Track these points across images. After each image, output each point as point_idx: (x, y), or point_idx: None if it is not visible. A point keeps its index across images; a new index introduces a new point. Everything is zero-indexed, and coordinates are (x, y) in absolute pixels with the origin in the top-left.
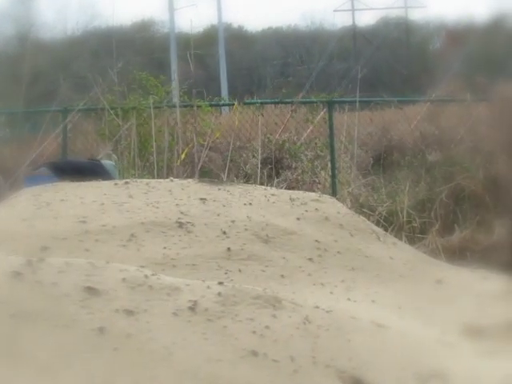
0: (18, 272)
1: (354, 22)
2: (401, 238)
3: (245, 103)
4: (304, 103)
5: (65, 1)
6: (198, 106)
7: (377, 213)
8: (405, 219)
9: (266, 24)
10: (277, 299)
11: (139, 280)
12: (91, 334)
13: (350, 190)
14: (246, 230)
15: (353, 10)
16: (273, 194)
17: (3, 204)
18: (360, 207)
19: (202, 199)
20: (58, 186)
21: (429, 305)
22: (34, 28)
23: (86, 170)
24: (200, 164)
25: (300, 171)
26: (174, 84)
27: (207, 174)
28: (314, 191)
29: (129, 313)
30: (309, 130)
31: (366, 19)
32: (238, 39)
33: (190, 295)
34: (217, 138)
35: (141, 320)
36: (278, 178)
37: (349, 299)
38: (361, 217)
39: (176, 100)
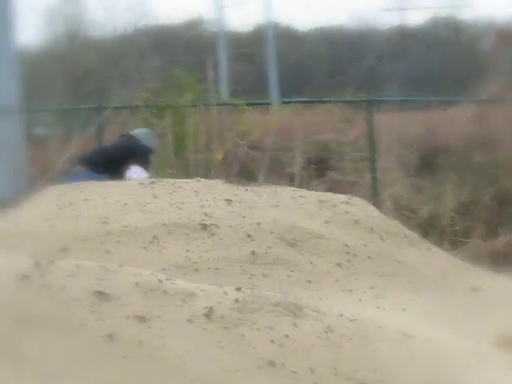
0: (25, 275)
1: (402, 22)
2: (442, 242)
3: (283, 102)
4: (343, 102)
5: None
6: (235, 105)
7: (418, 215)
8: (447, 222)
9: (315, 23)
10: (298, 307)
11: (153, 285)
12: (100, 341)
13: (391, 191)
14: (271, 232)
15: (401, 9)
16: (301, 196)
17: (26, 203)
18: (401, 209)
19: (227, 200)
20: (83, 185)
21: (462, 313)
22: (83, 26)
23: (116, 151)
24: (237, 164)
25: (342, 172)
26: (216, 82)
27: (250, 174)
28: (354, 193)
29: (141, 319)
30: (353, 130)
31: (415, 19)
32: (287, 38)
33: (205, 301)
34: (256, 138)
35: (153, 327)
36: (321, 178)
37: (378, 307)
38: (393, 220)
39: (213, 99)
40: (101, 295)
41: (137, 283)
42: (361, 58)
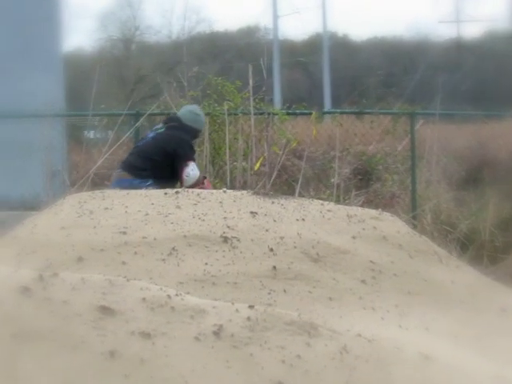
0: (26, 287)
1: (458, 34)
2: (482, 258)
3: (323, 113)
4: (386, 114)
5: (170, 6)
6: (274, 114)
7: (458, 230)
8: (487, 238)
9: (371, 33)
10: (312, 326)
11: (161, 300)
12: (101, 358)
13: (431, 205)
14: (294, 247)
15: (458, 21)
16: (329, 210)
17: (47, 210)
18: (440, 223)
19: (252, 213)
20: (106, 193)
21: (489, 335)
22: (139, 31)
23: (159, 151)
24: (274, 174)
25: (385, 184)
26: (269, 90)
27: (289, 185)
28: (394, 205)
29: (145, 336)
30: (401, 143)
31: (472, 31)
32: (343, 48)
33: (215, 319)
34: (295, 147)
35: (158, 344)
36: (363, 189)
37: (400, 326)
38: (423, 237)
39: (252, 107)
40: (105, 310)
41: (144, 298)
42: (415, 69)
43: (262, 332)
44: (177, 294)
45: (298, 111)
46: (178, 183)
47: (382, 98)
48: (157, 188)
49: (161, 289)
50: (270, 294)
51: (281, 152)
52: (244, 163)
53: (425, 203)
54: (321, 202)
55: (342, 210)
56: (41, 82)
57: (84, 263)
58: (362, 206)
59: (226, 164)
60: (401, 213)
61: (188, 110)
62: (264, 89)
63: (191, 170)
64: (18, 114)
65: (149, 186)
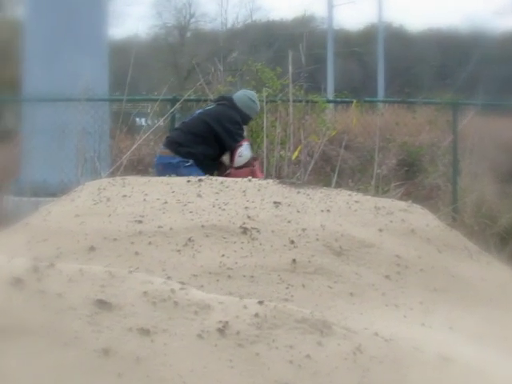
0: (19, 279)
1: None
2: None
3: (364, 101)
4: (430, 104)
5: None
6: (314, 102)
7: (498, 224)
8: None
9: (426, 24)
10: (325, 324)
11: (163, 294)
12: (94, 356)
13: (473, 197)
14: (317, 239)
15: None
16: (356, 201)
17: (65, 197)
18: (481, 217)
19: (275, 203)
20: (127, 180)
21: None
22: (194, 19)
23: (206, 115)
24: (312, 163)
25: (428, 175)
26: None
27: (326, 174)
28: (433, 198)
29: (144, 332)
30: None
31: None
32: (398, 38)
33: (221, 315)
34: (334, 136)
35: (157, 341)
36: (406, 180)
37: (423, 324)
38: (453, 231)
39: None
40: (102, 304)
41: (145, 292)
42: (469, 61)
43: (271, 330)
44: (181, 288)
45: (338, 99)
46: (220, 163)
47: (435, 89)
48: (196, 169)
49: (164, 282)
50: (287, 288)
51: (320, 141)
52: (282, 152)
53: (467, 196)
54: (349, 192)
55: (370, 201)
56: (85, 67)
57: (96, 253)
58: (401, 197)
59: (263, 152)
60: (441, 205)
61: (244, 94)
62: (305, 75)
63: (245, 150)
64: (59, 97)
65: (188, 166)
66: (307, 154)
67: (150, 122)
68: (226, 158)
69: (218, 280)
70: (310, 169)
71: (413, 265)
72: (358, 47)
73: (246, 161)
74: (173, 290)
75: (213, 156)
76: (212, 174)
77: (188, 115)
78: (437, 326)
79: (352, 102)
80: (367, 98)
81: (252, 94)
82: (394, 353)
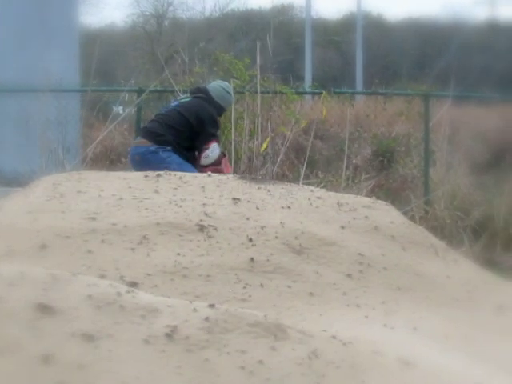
0: None
1: (493, 16)
2: (495, 246)
3: (334, 92)
4: (399, 95)
5: None
6: (282, 93)
7: (471, 216)
8: (501, 225)
9: (406, 13)
10: (280, 327)
11: (109, 298)
12: (33, 363)
13: (445, 189)
14: (276, 237)
15: (493, 3)
16: (318, 197)
17: (19, 193)
18: (454, 209)
19: (234, 199)
20: (83, 175)
21: (483, 335)
22: (172, 7)
23: (182, 120)
24: (281, 156)
25: (401, 167)
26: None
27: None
28: (404, 190)
29: (88, 338)
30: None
31: (508, 13)
32: (377, 27)
33: (169, 319)
34: (303, 127)
35: (101, 347)
36: (379, 172)
37: (385, 325)
38: (419, 228)
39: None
40: (44, 309)
41: (90, 296)
42: (449, 50)
43: (222, 334)
44: (128, 291)
45: (308, 91)
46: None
47: (414, 79)
48: (175, 154)
49: (110, 285)
50: (245, 288)
51: (289, 132)
52: (250, 144)
53: (439, 188)
54: (311, 188)
55: (332, 197)
56: (55, 58)
57: (47, 251)
58: (372, 189)
59: (231, 144)
60: (413, 198)
61: (219, 85)
62: (274, 66)
63: (211, 152)
64: (22, 88)
65: (167, 151)
66: (272, 146)
67: (127, 111)
68: None
69: (172, 279)
70: (278, 161)
71: (376, 263)
72: (336, 36)
73: (213, 161)
74: (119, 293)
75: (188, 147)
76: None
77: (162, 106)
78: (400, 327)
79: (322, 93)
80: (336, 90)
81: (226, 84)
82: (352, 357)
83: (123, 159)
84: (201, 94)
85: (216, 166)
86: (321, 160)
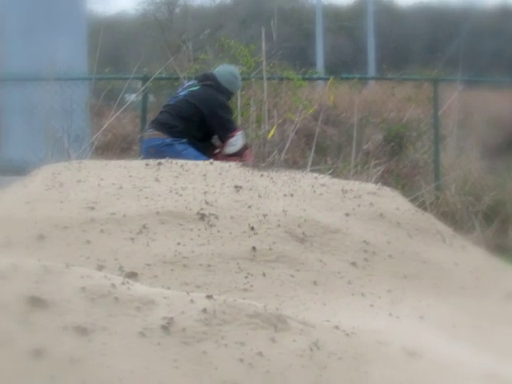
0: None
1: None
2: (507, 230)
3: (341, 78)
4: (407, 80)
5: None
6: (289, 79)
7: (482, 202)
8: None
9: None
10: (280, 318)
11: (103, 290)
12: (24, 357)
13: (455, 175)
14: (278, 226)
15: None
16: (322, 184)
17: (19, 182)
18: (465, 195)
19: (236, 187)
20: (83, 164)
21: (491, 324)
22: None
23: (193, 98)
24: (288, 142)
25: (412, 152)
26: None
27: (319, 152)
28: (414, 175)
29: (81, 331)
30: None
31: None
32: (388, 13)
33: (165, 311)
34: (311, 114)
35: (95, 341)
36: (388, 157)
37: (391, 314)
38: (425, 214)
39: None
40: (36, 302)
41: (83, 288)
42: (460, 35)
43: (220, 326)
44: (123, 283)
45: (314, 76)
46: (212, 143)
47: (425, 64)
48: (190, 146)
49: (105, 276)
50: (246, 277)
51: (296, 119)
52: (257, 131)
53: (450, 173)
54: (315, 175)
55: (336, 184)
56: (63, 46)
57: (45, 242)
58: (381, 175)
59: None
60: (423, 183)
61: (227, 71)
62: (279, 52)
63: (235, 141)
64: (28, 77)
65: (182, 143)
66: (280, 133)
67: (132, 98)
68: (215, 139)
69: (172, 270)
70: (286, 147)
71: (381, 251)
72: (347, 22)
73: (238, 150)
74: (113, 285)
75: (202, 138)
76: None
77: (171, 96)
78: (406, 316)
79: (329, 78)
80: (343, 75)
81: (233, 68)
82: (354, 348)
83: (134, 147)
84: (209, 81)
85: (239, 157)
86: (331, 146)
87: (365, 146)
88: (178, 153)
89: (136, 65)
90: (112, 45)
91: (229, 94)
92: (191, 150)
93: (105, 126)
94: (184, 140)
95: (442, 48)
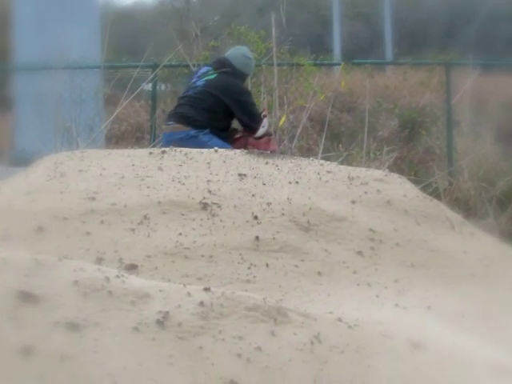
0: None
1: None
2: None
3: (353, 63)
4: (419, 65)
5: None
6: (300, 65)
7: (496, 187)
8: None
9: None
10: (280, 311)
11: (97, 283)
12: (13, 355)
13: (469, 160)
14: (282, 214)
15: None
16: (328, 171)
17: (20, 173)
18: (478, 180)
19: (240, 175)
20: (86, 153)
21: (501, 314)
22: None
23: (212, 88)
24: (300, 129)
25: (425, 138)
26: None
27: (333, 140)
28: (427, 161)
29: (73, 327)
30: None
31: None
32: None
33: (161, 305)
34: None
35: (87, 337)
36: (402, 143)
37: (397, 305)
38: (434, 200)
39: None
40: (26, 297)
41: (76, 281)
42: (477, 19)
43: (217, 320)
44: (117, 276)
45: (326, 62)
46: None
47: (443, 49)
48: (215, 136)
49: (98, 269)
50: (249, 268)
51: (307, 105)
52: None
53: (463, 159)
54: (321, 162)
55: (343, 171)
56: (76, 35)
57: (44, 234)
58: (394, 162)
59: None
60: (436, 169)
61: (240, 53)
62: (289, 38)
63: (266, 122)
64: (37, 66)
65: (206, 133)
66: (290, 121)
67: (142, 87)
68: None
69: (173, 261)
70: (297, 134)
71: (388, 239)
72: (364, 8)
73: (262, 134)
74: (107, 279)
75: (225, 127)
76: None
77: (187, 87)
78: (412, 307)
79: (340, 64)
80: (355, 60)
81: (245, 49)
82: (357, 341)
83: (147, 136)
84: (224, 67)
85: (267, 137)
86: (345, 133)
87: (380, 133)
88: (203, 144)
89: (152, 53)
90: (129, 34)
91: (245, 76)
92: (216, 140)
93: (114, 115)
94: (207, 130)
95: (459, 32)
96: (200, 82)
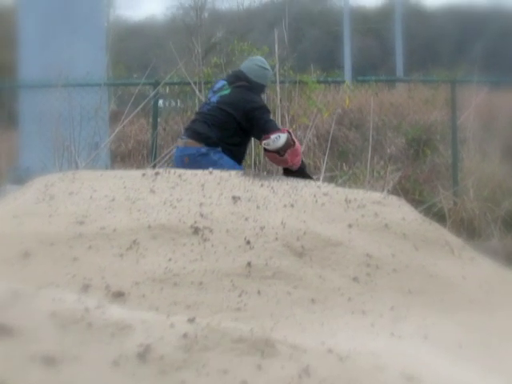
0: None
1: None
2: None
3: (357, 80)
4: (426, 82)
5: None
6: (304, 83)
7: (502, 207)
8: None
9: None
10: (268, 342)
11: (76, 315)
12: None
13: (474, 180)
14: (276, 239)
15: None
16: (325, 194)
17: (11, 194)
18: (484, 200)
19: (234, 198)
20: (77, 175)
21: (501, 343)
22: None
23: (227, 105)
24: (303, 147)
25: (431, 157)
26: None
27: (340, 157)
28: (432, 181)
29: (49, 361)
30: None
31: None
32: (416, 15)
33: (143, 337)
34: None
35: (64, 371)
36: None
37: (392, 334)
38: (433, 223)
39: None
40: (1, 329)
41: (54, 313)
42: (488, 36)
43: (201, 353)
44: (98, 307)
45: (329, 79)
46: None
47: (453, 66)
48: (226, 156)
49: (78, 300)
50: (240, 296)
51: (311, 123)
52: None
53: (468, 178)
54: (318, 183)
55: (340, 193)
56: (82, 52)
57: (30, 259)
58: (399, 181)
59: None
60: (441, 188)
61: (255, 64)
62: (293, 55)
63: (276, 138)
64: (36, 84)
65: (218, 152)
66: (303, 136)
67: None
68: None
69: (162, 288)
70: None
71: (385, 264)
72: (375, 24)
73: (276, 148)
74: (87, 309)
75: (239, 143)
76: (241, 161)
77: (203, 103)
78: (408, 336)
79: (344, 81)
80: (359, 78)
81: (260, 60)
82: (349, 373)
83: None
84: (239, 81)
85: (280, 156)
86: (352, 151)
87: (389, 150)
88: (213, 162)
89: (162, 70)
90: (141, 50)
91: (261, 87)
92: (227, 159)
93: (114, 133)
94: (219, 149)
95: (470, 49)
96: (214, 98)
